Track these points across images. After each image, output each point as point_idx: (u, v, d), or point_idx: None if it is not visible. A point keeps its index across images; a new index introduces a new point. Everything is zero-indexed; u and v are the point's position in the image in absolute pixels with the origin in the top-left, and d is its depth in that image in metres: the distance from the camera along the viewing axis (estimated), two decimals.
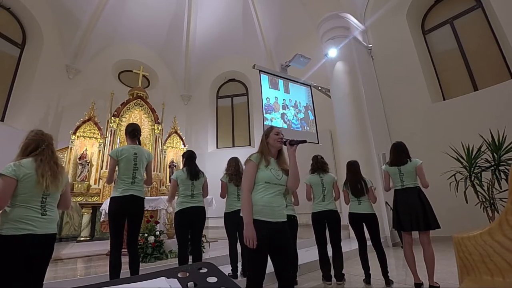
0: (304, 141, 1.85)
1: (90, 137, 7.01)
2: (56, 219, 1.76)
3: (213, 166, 6.39)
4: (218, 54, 10.37)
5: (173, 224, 3.40)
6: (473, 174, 4.05)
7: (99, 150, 6.99)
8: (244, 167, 1.81)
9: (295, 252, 2.87)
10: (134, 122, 7.02)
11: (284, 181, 1.75)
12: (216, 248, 4.35)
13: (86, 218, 6.05)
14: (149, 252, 3.50)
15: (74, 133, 6.78)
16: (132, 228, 2.52)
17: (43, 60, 7.59)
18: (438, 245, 3.31)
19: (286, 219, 1.73)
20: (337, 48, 6.47)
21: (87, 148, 6.90)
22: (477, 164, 4.07)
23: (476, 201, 4.02)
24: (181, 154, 3.62)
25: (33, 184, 1.62)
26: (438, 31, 6.41)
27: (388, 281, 2.77)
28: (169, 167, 7.97)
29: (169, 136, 8.32)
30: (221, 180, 3.23)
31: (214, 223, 6.21)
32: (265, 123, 5.34)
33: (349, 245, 4.58)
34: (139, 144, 2.75)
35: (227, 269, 3.02)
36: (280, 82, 6.11)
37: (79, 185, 6.48)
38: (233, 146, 10.36)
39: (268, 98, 5.69)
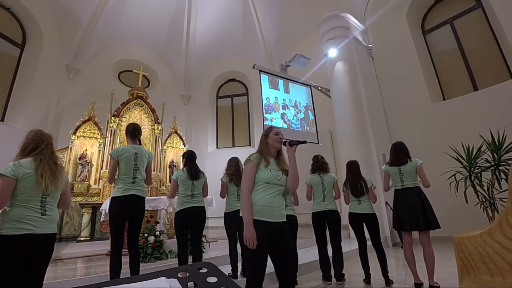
0: (304, 142, 1.85)
1: (90, 137, 7.01)
2: (56, 219, 1.76)
3: (213, 166, 6.39)
4: (218, 54, 10.37)
5: (173, 224, 3.40)
6: (473, 174, 4.05)
7: (99, 150, 6.99)
8: (244, 167, 1.81)
9: (295, 252, 2.87)
10: (134, 122, 7.01)
11: (284, 181, 1.74)
12: (216, 248, 4.35)
13: (86, 218, 6.05)
14: (149, 252, 3.50)
15: (74, 133, 6.78)
16: (133, 228, 2.52)
17: (43, 60, 7.58)
18: (438, 245, 3.31)
19: (285, 219, 1.72)
20: (337, 48, 6.47)
21: (87, 148, 6.90)
22: (477, 164, 4.07)
23: (476, 201, 4.02)
24: (181, 154, 3.62)
25: (32, 184, 1.62)
26: (438, 31, 6.41)
27: (388, 281, 2.77)
28: (169, 167, 7.97)
29: (169, 136, 8.32)
30: (221, 180, 3.23)
31: (214, 223, 6.20)
32: (265, 123, 5.34)
33: (349, 245, 4.58)
34: (140, 144, 2.75)
35: (227, 269, 3.02)
36: (280, 82, 6.11)
37: (79, 185, 6.48)
38: (233, 146, 10.36)
39: (268, 98, 5.69)
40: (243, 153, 2.95)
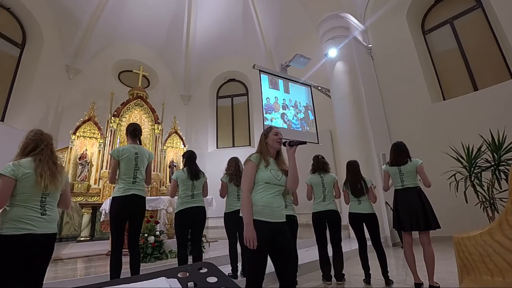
0: (304, 142, 1.85)
1: (90, 137, 7.01)
2: (56, 219, 1.76)
3: (213, 166, 6.40)
4: (218, 54, 10.37)
5: (173, 224, 3.40)
6: (473, 174, 4.05)
7: (99, 150, 6.99)
8: (243, 167, 1.80)
9: (295, 252, 2.88)
10: (135, 122, 7.02)
11: (284, 181, 1.74)
12: (216, 248, 4.35)
13: (86, 218, 6.05)
14: (149, 252, 3.50)
15: (74, 133, 6.78)
16: (133, 228, 2.52)
17: (43, 60, 7.58)
18: (438, 245, 3.31)
19: (285, 220, 1.72)
20: (337, 48, 6.47)
21: (87, 148, 6.90)
22: (477, 164, 4.07)
23: (476, 201, 4.02)
24: (181, 154, 3.62)
25: (32, 184, 1.62)
26: (438, 31, 6.41)
27: (388, 281, 2.77)
28: (169, 167, 7.97)
29: (169, 136, 8.32)
30: (221, 180, 3.23)
31: (214, 223, 6.20)
32: (265, 123, 5.34)
33: (349, 245, 4.58)
34: (140, 144, 2.75)
35: (227, 269, 3.02)
36: (280, 82, 6.11)
37: (79, 185, 6.48)
38: (233, 146, 10.36)
39: (268, 98, 5.69)
40: (243, 153, 2.95)
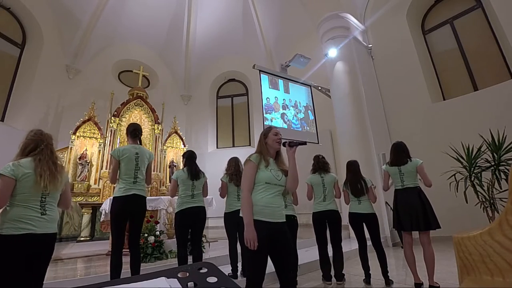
0: (304, 143, 1.84)
1: (90, 137, 7.01)
2: (56, 219, 1.76)
3: (213, 166, 6.39)
4: (218, 54, 10.37)
5: (173, 224, 3.40)
6: (473, 174, 4.05)
7: (99, 150, 6.99)
8: (243, 167, 1.80)
9: (295, 252, 2.88)
10: (135, 122, 7.02)
11: (284, 181, 1.74)
12: (216, 248, 4.35)
13: (86, 218, 6.05)
14: (149, 252, 3.50)
15: (74, 133, 6.78)
16: (134, 228, 2.52)
17: (43, 60, 7.58)
18: (438, 245, 3.31)
19: (285, 220, 1.72)
20: (337, 48, 6.47)
21: (87, 148, 6.90)
22: (477, 164, 4.07)
23: (476, 201, 4.02)
24: (181, 154, 3.62)
25: (31, 184, 1.62)
26: (438, 31, 6.41)
27: (388, 281, 2.77)
28: (169, 167, 7.97)
29: (169, 136, 8.32)
30: (221, 180, 3.23)
31: (214, 223, 6.20)
32: (265, 123, 5.34)
33: (349, 245, 4.58)
34: (140, 144, 2.75)
35: (227, 269, 3.02)
36: (280, 82, 6.11)
37: (79, 185, 6.48)
38: (233, 146, 10.36)
39: (268, 98, 5.69)
40: (243, 153, 2.96)
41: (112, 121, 7.16)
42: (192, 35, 9.72)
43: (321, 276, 3.04)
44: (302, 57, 6.36)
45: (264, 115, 5.45)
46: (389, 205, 5.18)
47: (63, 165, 2.34)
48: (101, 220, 4.15)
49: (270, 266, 1.57)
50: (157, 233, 3.74)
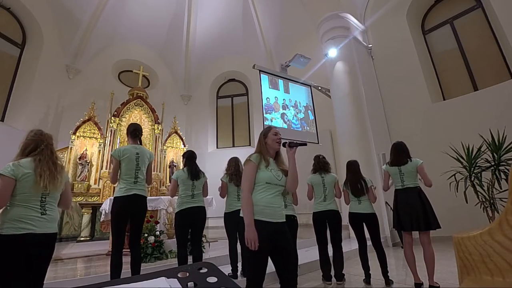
0: (305, 144, 1.84)
1: (90, 137, 7.01)
2: (57, 219, 1.76)
3: (213, 166, 6.39)
4: (218, 54, 10.37)
5: (173, 224, 3.40)
6: (473, 174, 4.05)
7: (99, 150, 6.99)
8: (243, 167, 1.80)
9: (295, 252, 2.88)
10: (135, 122, 7.02)
11: (284, 181, 1.74)
12: (216, 248, 4.35)
13: (86, 218, 6.05)
14: (149, 252, 3.50)
15: (74, 133, 6.78)
16: (134, 228, 2.52)
17: (43, 60, 7.58)
18: (438, 245, 3.31)
19: (285, 220, 1.72)
20: (337, 48, 6.47)
21: (87, 148, 6.90)
22: (477, 164, 4.07)
23: (476, 201, 4.02)
24: (181, 154, 3.61)
25: (31, 184, 1.62)
26: (438, 31, 6.41)
27: (388, 281, 2.77)
28: (169, 167, 7.97)
29: (169, 136, 8.32)
30: (221, 180, 3.23)
31: (214, 223, 6.20)
32: (265, 123, 5.34)
33: (349, 245, 4.58)
34: (141, 144, 2.75)
35: (227, 269, 3.02)
36: (280, 82, 6.11)
37: (79, 185, 6.48)
38: (233, 146, 10.36)
39: (268, 98, 5.69)
40: (243, 153, 2.96)
41: (112, 121, 7.16)
42: (192, 35, 9.72)
43: (321, 276, 3.04)
44: (302, 57, 6.36)
45: (264, 115, 5.45)
46: (389, 205, 5.18)
47: (63, 165, 2.33)
48: (101, 220, 4.15)
49: (270, 266, 1.57)
50: (157, 233, 3.74)
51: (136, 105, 7.81)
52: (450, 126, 5.49)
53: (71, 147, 6.66)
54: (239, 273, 3.04)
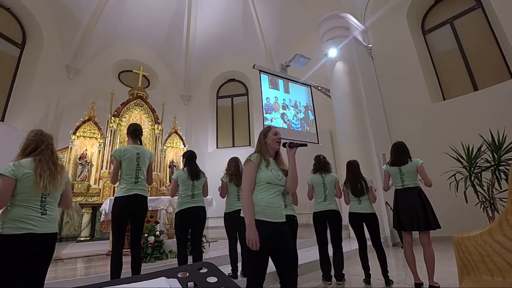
0: (305, 145, 1.84)
1: (90, 137, 7.01)
2: (57, 219, 1.77)
3: (213, 166, 6.39)
4: (218, 54, 10.37)
5: (173, 224, 3.40)
6: (473, 174, 4.05)
7: (99, 150, 6.99)
8: (243, 167, 1.80)
9: (295, 252, 2.88)
10: (135, 122, 7.02)
11: (284, 181, 1.74)
12: (216, 248, 4.35)
13: (86, 218, 6.05)
14: (149, 252, 3.50)
15: (74, 133, 6.78)
16: (135, 228, 2.52)
17: (43, 60, 7.58)
18: (438, 245, 3.31)
19: (285, 220, 1.72)
20: (337, 48, 6.47)
21: (87, 148, 6.90)
22: (477, 164, 4.07)
23: (476, 201, 4.02)
24: (181, 154, 3.61)
25: (31, 184, 1.62)
26: (438, 31, 6.41)
27: (388, 281, 2.77)
28: (169, 167, 7.98)
29: (169, 136, 8.32)
30: (221, 180, 3.23)
31: (214, 223, 6.20)
32: (265, 123, 5.34)
33: (349, 245, 4.58)
34: (141, 144, 2.75)
35: (227, 269, 3.02)
36: (280, 82, 6.11)
37: (79, 185, 6.48)
38: (233, 146, 10.36)
39: (268, 98, 5.69)
40: (243, 153, 2.96)
41: (112, 121, 7.16)
42: (192, 35, 9.72)
43: (321, 276, 3.04)
44: (302, 57, 6.36)
45: (264, 115, 5.45)
46: (389, 205, 5.18)
47: (64, 165, 2.33)
48: (101, 220, 4.15)
49: (270, 266, 1.57)
50: (157, 233, 3.74)
51: (136, 105, 7.81)
52: (450, 126, 5.49)
53: (71, 147, 6.66)
54: (239, 273, 3.04)
